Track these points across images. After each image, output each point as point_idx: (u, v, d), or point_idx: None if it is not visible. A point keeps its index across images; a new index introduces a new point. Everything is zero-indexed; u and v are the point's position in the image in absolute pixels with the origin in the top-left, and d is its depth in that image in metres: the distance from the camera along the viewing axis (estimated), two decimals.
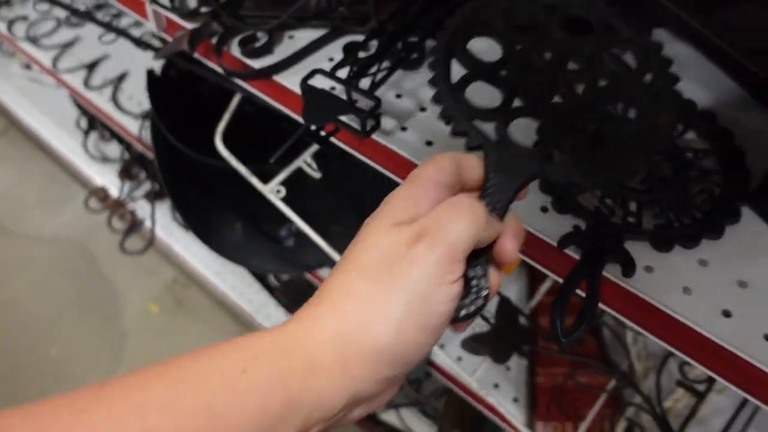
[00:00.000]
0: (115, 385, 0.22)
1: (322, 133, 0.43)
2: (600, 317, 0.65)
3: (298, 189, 0.78)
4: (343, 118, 0.43)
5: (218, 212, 0.77)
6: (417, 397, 1.04)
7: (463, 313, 0.28)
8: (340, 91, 0.43)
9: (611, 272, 0.38)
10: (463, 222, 0.26)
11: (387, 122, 0.46)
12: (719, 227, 0.38)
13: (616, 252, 0.37)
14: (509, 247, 0.29)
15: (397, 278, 0.25)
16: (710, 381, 0.57)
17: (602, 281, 0.38)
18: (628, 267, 0.37)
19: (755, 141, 0.43)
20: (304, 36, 0.53)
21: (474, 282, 0.29)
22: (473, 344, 0.62)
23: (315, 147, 0.66)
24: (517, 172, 0.30)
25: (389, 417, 1.01)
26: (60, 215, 1.56)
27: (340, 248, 0.66)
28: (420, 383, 1.07)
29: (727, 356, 0.35)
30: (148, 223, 1.21)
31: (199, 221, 0.74)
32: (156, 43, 0.85)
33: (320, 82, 0.46)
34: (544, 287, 0.68)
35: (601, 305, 0.39)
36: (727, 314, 0.36)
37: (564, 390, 0.65)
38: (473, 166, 0.30)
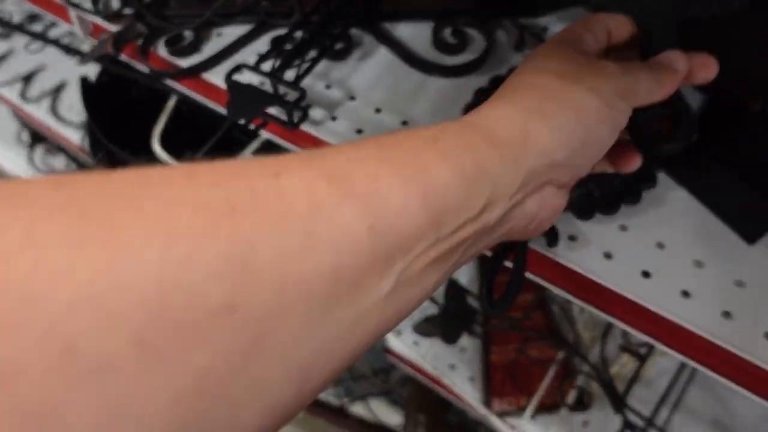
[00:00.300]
0: (324, 149, 0.22)
1: (252, 127, 0.44)
2: (547, 291, 0.67)
3: None
4: (272, 110, 0.43)
5: None
6: (385, 387, 1.05)
7: (672, 146, 0.31)
8: (269, 85, 0.44)
9: (538, 243, 0.39)
10: (647, 74, 0.29)
11: (317, 113, 0.47)
12: (637, 193, 0.40)
13: None
14: (705, 59, 0.31)
15: (584, 78, 0.26)
16: (650, 344, 0.60)
17: (529, 253, 0.39)
18: (552, 238, 0.38)
19: None
20: (232, 33, 0.52)
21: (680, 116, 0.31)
22: (425, 326, 0.63)
23: (256, 144, 0.66)
24: (671, 8, 0.30)
25: (358, 409, 1.02)
26: None
27: None
28: (387, 373, 1.08)
29: (650, 315, 0.37)
30: None
31: None
32: (87, 49, 0.83)
33: (249, 78, 0.46)
34: None
35: (531, 276, 0.41)
36: (646, 275, 0.38)
37: (517, 365, 0.67)
38: (620, 22, 0.31)
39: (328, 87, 0.48)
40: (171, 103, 0.63)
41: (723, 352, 0.36)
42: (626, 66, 0.28)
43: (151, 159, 0.64)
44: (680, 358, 0.37)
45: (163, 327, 0.15)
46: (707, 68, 0.32)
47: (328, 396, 1.00)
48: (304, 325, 0.18)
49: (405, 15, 0.52)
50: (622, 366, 0.63)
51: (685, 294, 0.37)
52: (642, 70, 0.29)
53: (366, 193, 0.20)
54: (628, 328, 0.38)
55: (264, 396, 0.17)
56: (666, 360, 0.64)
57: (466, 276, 0.72)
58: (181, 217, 0.16)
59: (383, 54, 0.50)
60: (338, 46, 0.49)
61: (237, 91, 0.40)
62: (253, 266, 0.17)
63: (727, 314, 0.36)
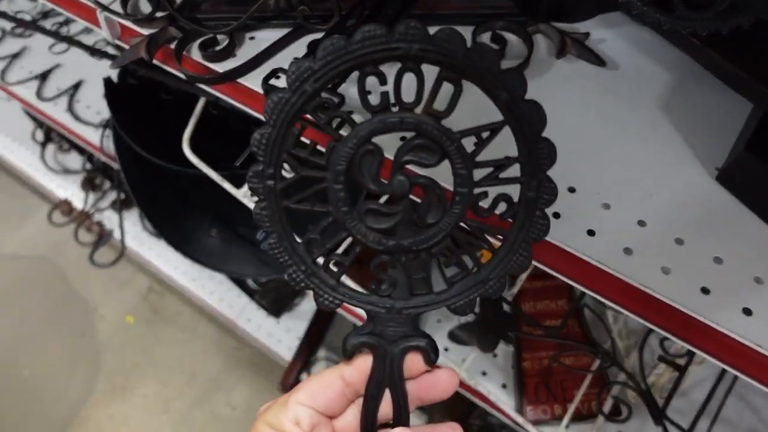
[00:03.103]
0: None
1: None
2: (581, 299, 0.66)
3: None
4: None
5: (192, 218, 0.75)
6: None
7: None
8: None
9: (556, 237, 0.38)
10: None
11: (356, 118, 0.45)
12: None
13: None
14: None
15: None
16: (690, 354, 0.59)
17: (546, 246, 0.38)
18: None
19: None
20: (265, 37, 0.51)
21: None
22: (459, 334, 0.62)
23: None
24: None
25: None
26: (23, 232, 1.51)
27: None
28: None
29: (713, 333, 0.36)
30: (117, 234, 1.17)
31: (171, 229, 0.72)
32: (111, 51, 0.82)
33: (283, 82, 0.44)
34: (525, 273, 0.68)
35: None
36: (705, 291, 0.37)
37: (551, 373, 0.66)
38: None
39: (369, 93, 0.47)
40: (199, 105, 0.62)
41: None
42: None
43: (176, 162, 0.63)
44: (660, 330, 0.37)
45: None
46: None
47: None
48: None
49: (440, 18, 0.51)
50: (659, 376, 0.62)
51: (747, 311, 0.36)
52: None
53: None
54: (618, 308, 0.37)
55: None
56: (702, 369, 0.63)
57: None
58: None
59: None
60: None
61: None
62: None
63: None
